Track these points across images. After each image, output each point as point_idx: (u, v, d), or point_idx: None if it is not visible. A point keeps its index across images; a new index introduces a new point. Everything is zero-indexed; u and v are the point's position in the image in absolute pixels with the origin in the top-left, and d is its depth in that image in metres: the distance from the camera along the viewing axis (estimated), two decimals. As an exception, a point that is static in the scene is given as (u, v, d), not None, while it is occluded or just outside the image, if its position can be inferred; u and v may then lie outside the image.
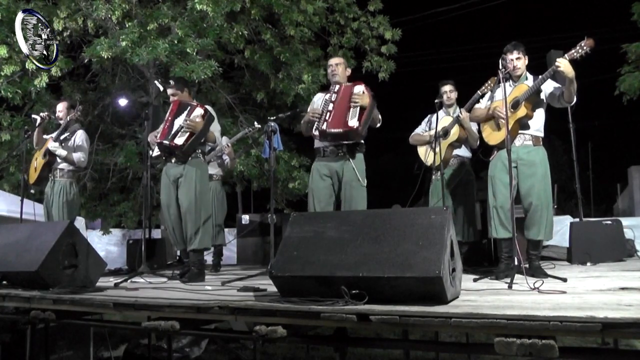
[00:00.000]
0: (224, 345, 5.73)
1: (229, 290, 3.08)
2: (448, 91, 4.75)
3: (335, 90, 3.98)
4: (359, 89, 3.90)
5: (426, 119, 4.99)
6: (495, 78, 4.16)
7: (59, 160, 4.95)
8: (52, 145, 4.88)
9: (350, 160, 3.93)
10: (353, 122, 3.78)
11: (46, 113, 5.07)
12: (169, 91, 4.30)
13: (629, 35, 9.63)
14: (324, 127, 3.84)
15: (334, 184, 3.98)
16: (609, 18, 26.67)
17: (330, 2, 8.80)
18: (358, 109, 3.82)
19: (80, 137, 5.03)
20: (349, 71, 4.18)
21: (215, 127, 4.29)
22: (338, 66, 4.09)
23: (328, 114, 3.88)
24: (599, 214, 10.19)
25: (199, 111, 4.06)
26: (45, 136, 5.08)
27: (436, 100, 4.46)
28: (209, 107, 4.20)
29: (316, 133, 3.90)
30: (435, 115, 4.51)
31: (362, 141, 4.01)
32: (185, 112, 4.08)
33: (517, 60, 3.59)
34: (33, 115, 5.12)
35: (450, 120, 4.67)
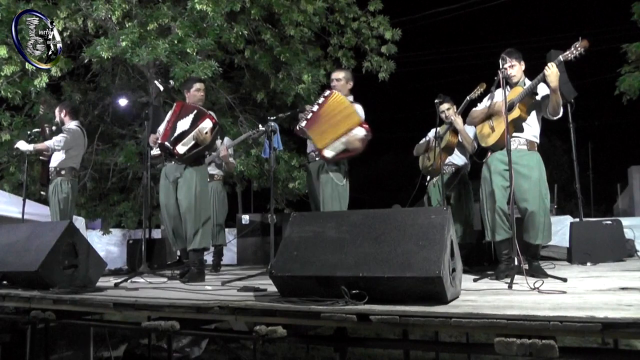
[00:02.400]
0: (224, 345, 5.72)
1: (229, 290, 3.09)
2: (445, 110, 4.74)
3: (325, 94, 4.10)
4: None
5: (429, 133, 5.02)
6: (484, 84, 4.21)
7: (52, 160, 4.96)
8: (16, 144, 4.96)
9: (325, 163, 4.06)
10: (327, 153, 3.97)
11: (46, 125, 5.12)
12: (202, 85, 4.36)
13: (629, 35, 9.63)
14: (302, 124, 3.98)
15: (314, 184, 4.16)
16: (609, 18, 26.68)
17: (330, 2, 8.79)
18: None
19: (69, 128, 5.04)
20: (350, 84, 4.28)
21: (218, 140, 4.34)
22: (340, 82, 4.22)
23: (310, 113, 4.02)
24: (599, 214, 10.19)
25: (208, 123, 4.02)
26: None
27: (436, 101, 4.48)
28: (214, 116, 4.21)
29: (297, 128, 4.07)
30: (435, 128, 4.53)
31: None
32: (191, 117, 4.05)
33: (510, 68, 3.57)
34: (34, 130, 5.18)
35: (445, 127, 4.71)
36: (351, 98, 4.21)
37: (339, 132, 3.95)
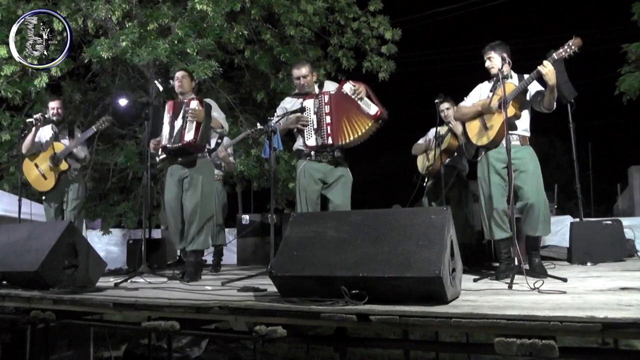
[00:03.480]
0: (224, 345, 5.73)
1: (229, 290, 3.09)
2: (445, 109, 4.73)
3: (326, 100, 3.84)
4: (349, 87, 3.80)
5: (429, 132, 5.01)
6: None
7: (71, 164, 4.94)
8: (75, 149, 4.91)
9: (345, 162, 3.94)
10: (377, 109, 3.73)
11: (38, 114, 5.04)
12: (181, 73, 4.31)
13: (629, 35, 9.64)
14: (329, 141, 3.79)
15: (328, 185, 3.96)
16: (609, 18, 26.69)
17: (330, 2, 8.80)
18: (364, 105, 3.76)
19: (79, 135, 5.04)
20: (315, 75, 4.08)
21: (220, 115, 4.32)
22: (306, 78, 3.95)
23: (328, 127, 3.80)
24: (599, 214, 10.17)
25: (194, 103, 4.07)
26: (36, 140, 5.03)
27: (436, 101, 4.48)
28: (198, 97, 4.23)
29: (314, 144, 3.85)
30: (435, 128, 4.52)
31: None
32: (182, 111, 4.11)
33: (488, 60, 3.58)
34: (28, 120, 5.10)
35: (446, 129, 4.72)
36: (316, 87, 4.04)
37: (355, 114, 3.79)
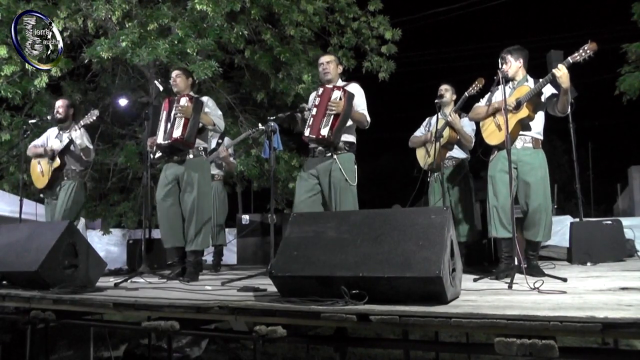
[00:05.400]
0: (224, 345, 5.73)
1: (229, 290, 3.09)
2: (443, 90, 4.71)
3: (319, 93, 3.90)
4: (337, 94, 3.80)
5: (425, 122, 5.00)
6: (482, 79, 4.25)
7: (68, 163, 4.92)
8: (74, 134, 4.79)
9: (337, 160, 3.86)
10: (324, 132, 3.76)
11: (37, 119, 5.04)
12: (175, 72, 4.31)
13: (629, 35, 9.64)
14: (307, 132, 3.84)
15: (321, 184, 3.91)
16: (609, 18, 26.67)
17: (330, 2, 8.80)
18: (332, 117, 3.76)
19: (79, 135, 4.99)
20: (340, 68, 4.11)
21: (216, 112, 4.29)
22: (329, 64, 4.00)
23: (311, 118, 3.86)
24: (599, 214, 10.17)
25: (183, 100, 4.07)
26: (41, 143, 5.01)
27: (436, 101, 4.48)
28: (190, 94, 4.21)
29: (305, 134, 3.91)
30: (434, 117, 4.53)
31: (353, 140, 3.98)
32: (173, 108, 4.12)
33: (505, 64, 3.60)
34: (31, 122, 5.08)
35: (443, 122, 4.69)
36: (340, 82, 4.06)
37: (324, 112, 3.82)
